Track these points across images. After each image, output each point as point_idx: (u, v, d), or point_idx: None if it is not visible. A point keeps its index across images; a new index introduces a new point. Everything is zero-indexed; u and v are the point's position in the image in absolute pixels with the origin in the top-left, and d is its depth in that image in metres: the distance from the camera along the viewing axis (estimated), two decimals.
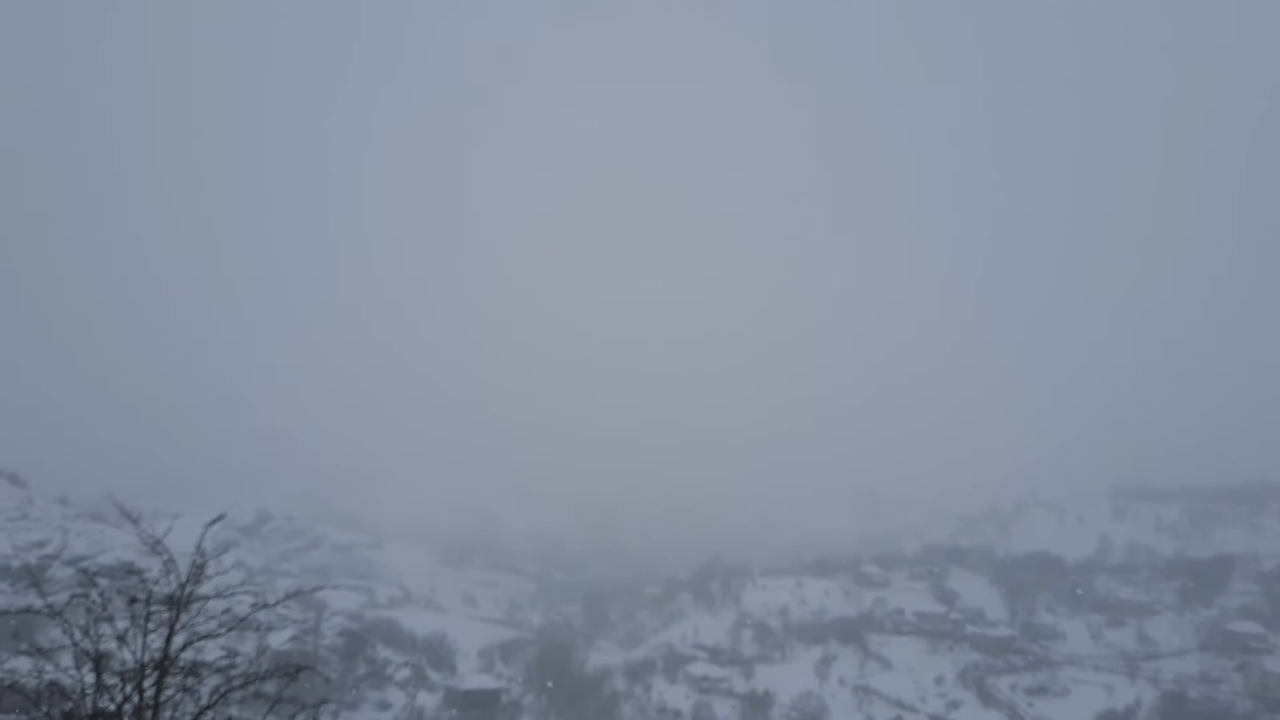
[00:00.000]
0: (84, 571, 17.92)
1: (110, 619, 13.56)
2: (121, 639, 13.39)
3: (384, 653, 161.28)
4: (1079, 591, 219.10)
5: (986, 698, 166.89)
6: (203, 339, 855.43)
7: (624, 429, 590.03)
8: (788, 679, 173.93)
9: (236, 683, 13.90)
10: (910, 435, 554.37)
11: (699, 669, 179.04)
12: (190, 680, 13.44)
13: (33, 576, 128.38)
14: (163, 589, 13.73)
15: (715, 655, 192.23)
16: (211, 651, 14.40)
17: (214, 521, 15.15)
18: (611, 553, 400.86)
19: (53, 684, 13.20)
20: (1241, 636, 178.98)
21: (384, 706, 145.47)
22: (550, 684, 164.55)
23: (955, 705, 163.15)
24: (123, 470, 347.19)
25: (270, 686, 14.36)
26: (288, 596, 16.77)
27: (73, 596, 14.47)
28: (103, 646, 13.21)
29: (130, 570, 15.17)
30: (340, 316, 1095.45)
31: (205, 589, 14.08)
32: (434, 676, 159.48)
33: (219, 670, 13.88)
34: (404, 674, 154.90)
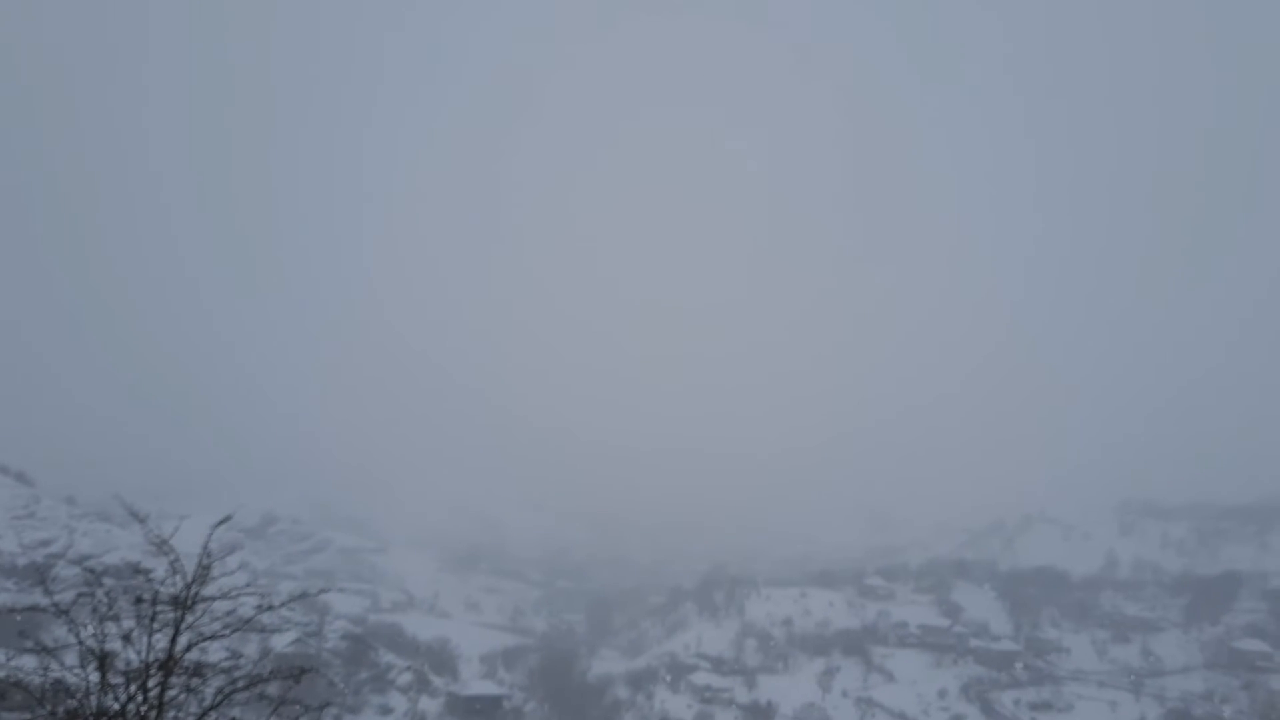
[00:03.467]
0: (90, 570, 17.90)
1: (116, 618, 13.62)
2: (127, 638, 13.44)
3: (387, 657, 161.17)
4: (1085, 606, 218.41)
5: (989, 712, 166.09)
6: (219, 342, 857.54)
7: (634, 438, 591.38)
8: (790, 690, 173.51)
9: (240, 684, 13.94)
10: (919, 450, 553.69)
11: (701, 678, 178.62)
12: (194, 681, 13.48)
13: (39, 575, 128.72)
14: (168, 589, 13.78)
15: (718, 665, 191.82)
16: (216, 652, 14.46)
17: (220, 523, 15.21)
18: (616, 561, 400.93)
19: (58, 682, 13.26)
20: (1248, 655, 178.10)
21: (386, 711, 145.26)
22: (552, 691, 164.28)
23: (958, 719, 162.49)
24: (131, 470, 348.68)
25: (273, 688, 14.41)
26: (292, 599, 16.81)
27: (79, 595, 14.53)
28: (108, 646, 13.26)
29: (136, 570, 15.27)
30: (356, 323, 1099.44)
31: (210, 590, 14.11)
32: (436, 682, 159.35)
33: (223, 671, 13.94)
34: (406, 679, 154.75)
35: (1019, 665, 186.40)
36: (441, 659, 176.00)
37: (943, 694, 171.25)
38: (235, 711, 13.95)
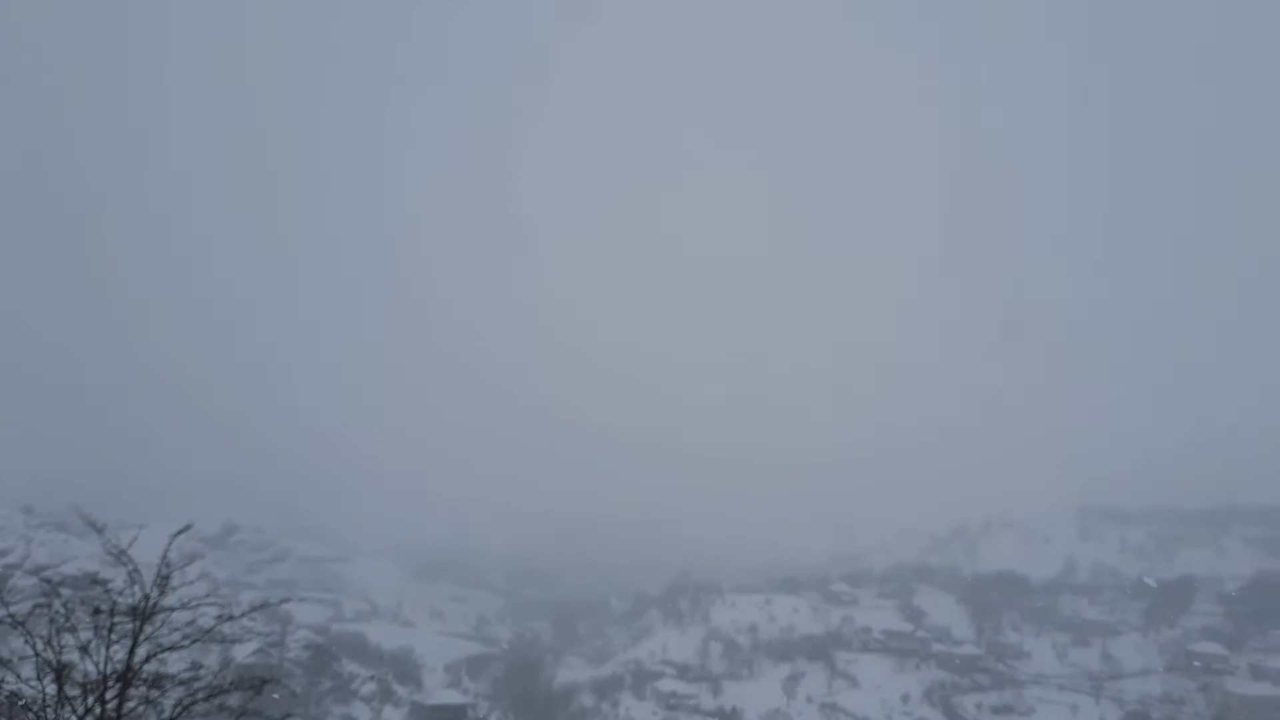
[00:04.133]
0: (47, 581, 17.74)
1: (73, 629, 13.52)
2: (84, 650, 13.35)
3: (350, 667, 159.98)
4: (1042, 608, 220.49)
5: (952, 716, 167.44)
6: (182, 349, 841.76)
7: (599, 443, 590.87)
8: (755, 696, 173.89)
9: (200, 695, 13.87)
10: (884, 455, 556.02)
11: (667, 685, 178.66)
12: (153, 693, 13.41)
13: None
14: (126, 600, 13.70)
15: (683, 672, 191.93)
16: (175, 664, 14.38)
17: (180, 532, 15.12)
18: (582, 569, 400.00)
19: (13, 695, 13.14)
20: (1204, 657, 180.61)
21: None
22: (517, 700, 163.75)
23: None
24: (91, 478, 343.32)
25: (234, 699, 14.35)
26: (252, 609, 16.73)
27: (35, 606, 14.42)
28: (65, 657, 13.17)
29: (94, 580, 15.14)
30: (327, 329, 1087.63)
31: (169, 600, 14.05)
32: (400, 691, 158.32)
33: (182, 683, 13.85)
34: (369, 688, 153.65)
35: (981, 669, 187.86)
36: (405, 668, 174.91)
37: (906, 699, 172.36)
38: None
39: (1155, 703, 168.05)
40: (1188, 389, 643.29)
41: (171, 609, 14.00)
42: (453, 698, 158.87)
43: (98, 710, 12.90)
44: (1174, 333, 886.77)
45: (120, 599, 13.66)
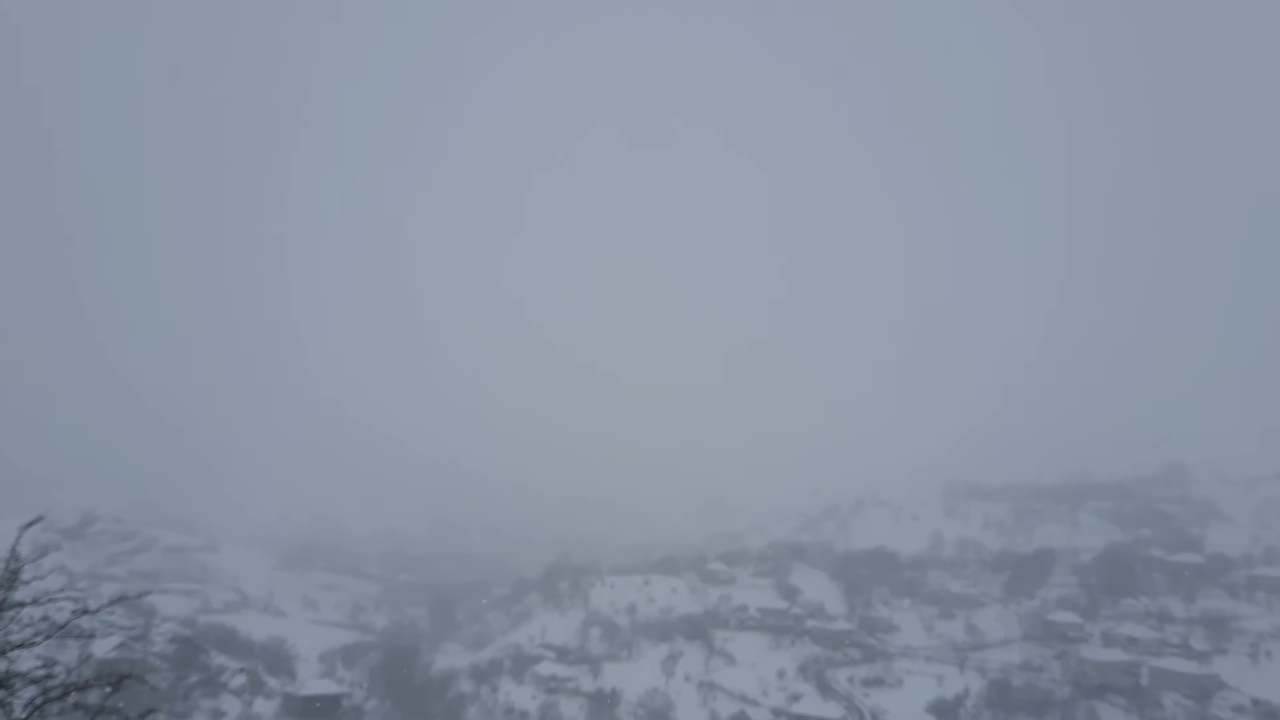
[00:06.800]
0: None
1: None
2: None
3: (218, 659, 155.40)
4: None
5: (825, 689, 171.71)
6: (40, 333, 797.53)
7: (472, 430, 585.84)
8: (634, 677, 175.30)
9: (54, 694, 13.19)
10: (757, 434, 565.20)
11: (546, 669, 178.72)
12: (2, 693, 12.69)
13: None
14: None
15: (563, 655, 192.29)
16: (27, 661, 13.63)
17: (30, 524, 14.31)
18: (460, 555, 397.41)
19: None
20: (1060, 626, 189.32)
21: (218, 715, 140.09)
22: (394, 687, 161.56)
23: (796, 698, 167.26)
24: None
25: (93, 697, 13.70)
26: (112, 602, 16.01)
27: None
28: None
29: None
30: (189, 317, 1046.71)
31: (20, 595, 13.33)
32: (272, 683, 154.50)
33: (34, 681, 13.14)
34: (239, 681, 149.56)
35: (853, 643, 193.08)
36: (277, 659, 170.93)
37: (781, 674, 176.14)
38: None
39: (1015, 671, 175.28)
40: (1049, 365, 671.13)
41: (22, 604, 13.28)
42: (327, 688, 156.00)
43: None
44: (1030, 316, 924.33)
45: None
